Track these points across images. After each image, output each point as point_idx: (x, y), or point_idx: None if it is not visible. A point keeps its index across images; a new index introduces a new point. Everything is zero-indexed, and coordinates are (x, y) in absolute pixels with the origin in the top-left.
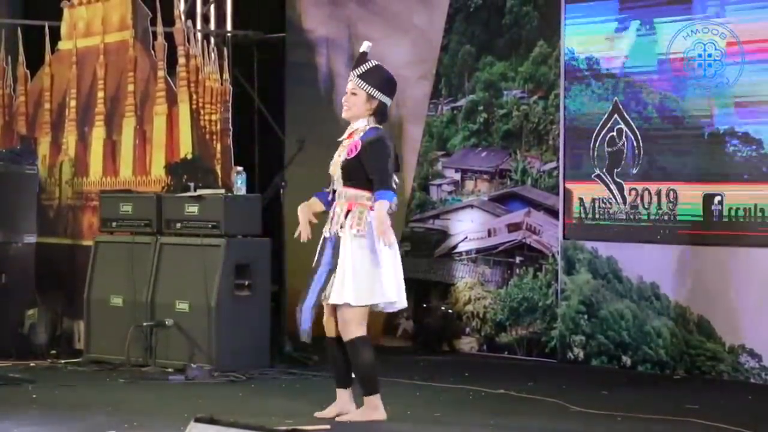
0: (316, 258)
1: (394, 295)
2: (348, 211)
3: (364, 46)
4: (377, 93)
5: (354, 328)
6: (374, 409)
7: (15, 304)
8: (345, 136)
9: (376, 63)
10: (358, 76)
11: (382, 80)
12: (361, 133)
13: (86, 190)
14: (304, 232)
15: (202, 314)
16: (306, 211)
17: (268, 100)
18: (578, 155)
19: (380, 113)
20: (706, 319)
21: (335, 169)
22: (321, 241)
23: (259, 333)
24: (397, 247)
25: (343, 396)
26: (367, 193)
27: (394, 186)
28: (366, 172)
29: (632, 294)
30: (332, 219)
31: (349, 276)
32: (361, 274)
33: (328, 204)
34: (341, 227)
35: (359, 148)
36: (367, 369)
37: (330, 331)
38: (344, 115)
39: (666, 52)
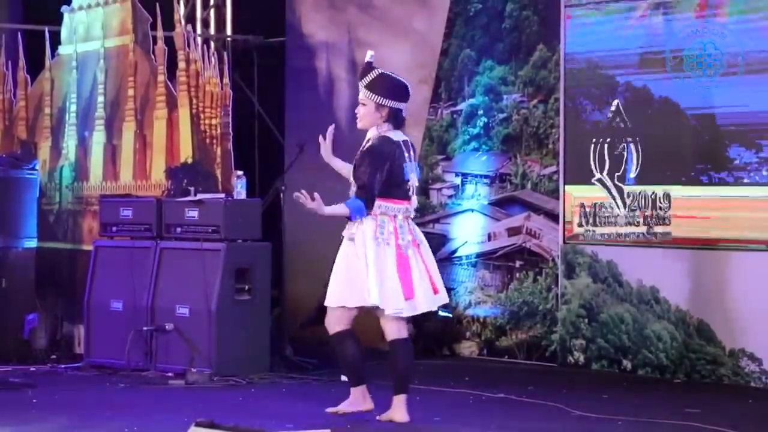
0: None
1: (374, 299)
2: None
3: (368, 55)
4: (385, 100)
5: (332, 326)
6: (361, 398)
7: (15, 309)
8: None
9: (381, 71)
10: (364, 86)
11: (388, 87)
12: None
13: (86, 195)
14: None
15: (202, 318)
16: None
17: (268, 104)
18: (578, 159)
19: (394, 119)
20: (706, 323)
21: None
22: None
23: (259, 337)
24: (396, 251)
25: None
26: None
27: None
28: None
29: (632, 298)
30: None
31: (333, 278)
32: (340, 276)
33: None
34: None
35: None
36: (344, 363)
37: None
38: (358, 125)
39: (666, 54)
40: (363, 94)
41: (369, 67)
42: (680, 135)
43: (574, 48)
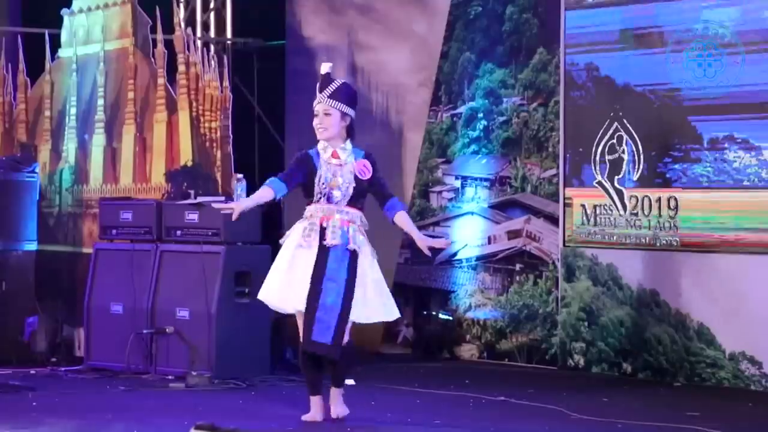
0: (304, 269)
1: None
2: (346, 229)
3: (327, 67)
4: (348, 109)
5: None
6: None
7: (15, 312)
8: (334, 157)
9: (343, 81)
10: (329, 96)
11: (350, 96)
12: (353, 154)
13: (86, 198)
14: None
15: (202, 321)
16: (248, 204)
17: (268, 107)
18: (578, 162)
19: (351, 129)
20: (706, 326)
21: (344, 186)
22: (314, 252)
23: (259, 340)
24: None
25: (320, 402)
26: (360, 214)
27: None
28: (365, 193)
29: (632, 301)
30: (330, 230)
31: (386, 293)
32: (386, 291)
33: (283, 193)
34: (355, 245)
35: (370, 169)
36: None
37: None
38: (322, 136)
39: (666, 56)
40: (327, 103)
41: (329, 78)
42: (680, 138)
43: (574, 51)
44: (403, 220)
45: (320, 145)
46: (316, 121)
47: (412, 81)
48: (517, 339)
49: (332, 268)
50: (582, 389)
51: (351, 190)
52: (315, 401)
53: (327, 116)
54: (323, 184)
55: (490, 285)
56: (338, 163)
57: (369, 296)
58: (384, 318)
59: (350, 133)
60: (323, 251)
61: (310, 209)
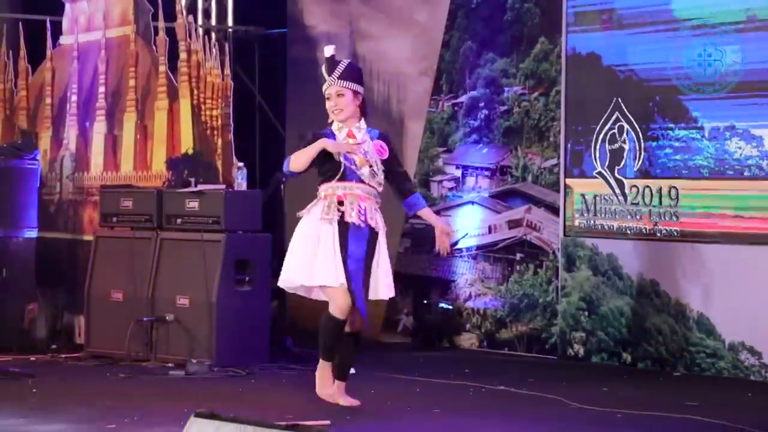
0: (329, 243)
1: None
2: (363, 206)
3: (330, 50)
4: (360, 87)
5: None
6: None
7: (15, 299)
8: (350, 136)
9: (348, 60)
10: (338, 77)
11: (359, 74)
12: (368, 133)
13: (87, 185)
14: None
15: (202, 309)
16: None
17: (269, 95)
18: (579, 152)
19: (364, 106)
20: (706, 317)
21: (368, 165)
22: (335, 226)
23: (259, 328)
24: None
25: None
26: (375, 190)
27: None
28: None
29: (632, 291)
30: (348, 206)
31: (389, 271)
32: (389, 269)
33: None
34: (372, 222)
35: (387, 148)
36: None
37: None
38: (339, 117)
39: (666, 48)
40: (339, 84)
41: (334, 60)
42: (682, 128)
43: (575, 40)
44: (427, 214)
45: (335, 126)
46: (330, 104)
47: (414, 70)
48: (517, 328)
49: (353, 245)
50: (582, 379)
51: (379, 167)
52: (327, 368)
53: (340, 97)
54: (352, 164)
55: (491, 274)
56: (355, 142)
57: (379, 274)
58: (385, 296)
59: (363, 110)
60: (344, 227)
61: (326, 188)
